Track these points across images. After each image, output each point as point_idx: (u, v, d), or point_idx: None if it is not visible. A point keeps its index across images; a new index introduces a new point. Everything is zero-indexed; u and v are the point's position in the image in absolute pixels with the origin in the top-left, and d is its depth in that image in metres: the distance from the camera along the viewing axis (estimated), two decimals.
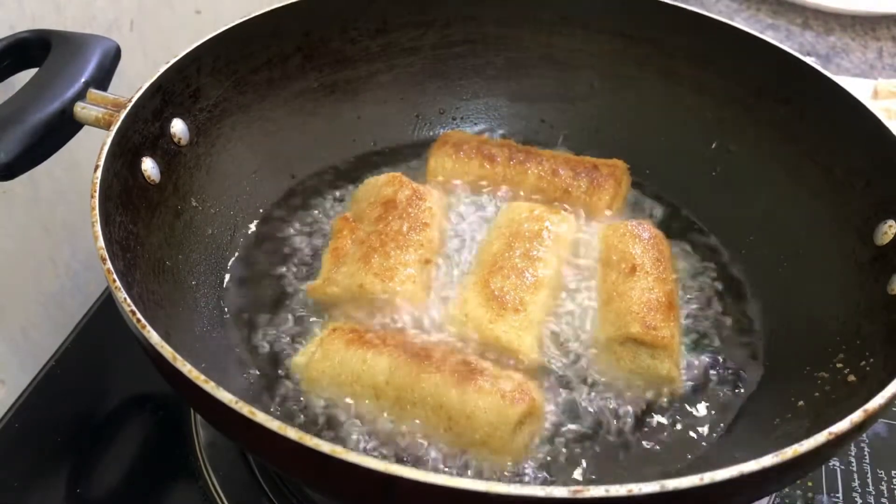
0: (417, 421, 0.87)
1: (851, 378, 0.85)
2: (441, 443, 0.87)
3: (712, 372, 0.98)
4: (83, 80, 0.94)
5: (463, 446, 0.86)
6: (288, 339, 1.00)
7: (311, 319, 1.02)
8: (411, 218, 1.05)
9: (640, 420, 0.93)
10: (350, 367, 0.90)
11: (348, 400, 0.91)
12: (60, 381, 1.11)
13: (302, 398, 0.93)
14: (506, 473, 0.86)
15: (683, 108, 1.21)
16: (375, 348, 0.90)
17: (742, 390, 0.97)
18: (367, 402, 0.89)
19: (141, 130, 0.95)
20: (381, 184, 1.11)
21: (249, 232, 1.13)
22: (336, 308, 1.01)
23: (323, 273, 1.03)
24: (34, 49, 0.97)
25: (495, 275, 0.99)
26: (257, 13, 1.10)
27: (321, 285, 1.01)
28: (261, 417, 0.63)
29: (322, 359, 0.91)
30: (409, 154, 1.27)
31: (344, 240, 1.05)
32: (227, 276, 1.07)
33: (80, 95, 0.93)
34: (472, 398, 0.84)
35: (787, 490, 1.00)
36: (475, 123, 1.32)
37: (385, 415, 0.89)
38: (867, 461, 1.03)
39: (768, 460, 0.62)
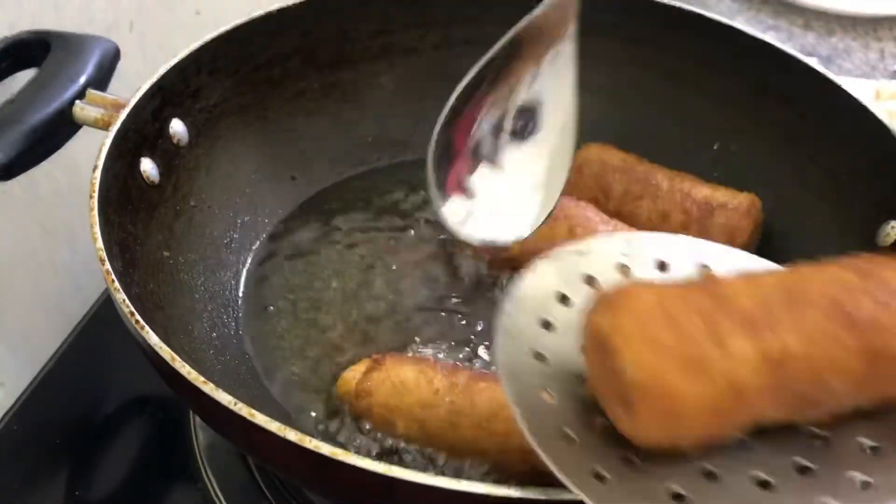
0: (471, 434, 0.83)
1: None
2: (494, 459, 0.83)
3: None
4: (82, 80, 0.93)
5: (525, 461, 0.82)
6: (288, 339, 0.99)
7: (312, 319, 1.01)
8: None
9: None
10: (407, 380, 0.86)
11: (401, 418, 0.86)
12: (60, 383, 1.11)
13: (303, 398, 0.92)
14: None
15: (684, 109, 1.20)
16: (429, 365, 0.88)
17: None
18: (422, 419, 0.85)
19: (140, 131, 0.95)
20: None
21: (249, 233, 1.12)
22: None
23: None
24: (33, 49, 0.97)
25: None
26: (257, 13, 1.10)
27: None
28: (260, 419, 0.63)
29: (379, 375, 0.88)
30: (410, 155, 1.27)
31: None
32: (227, 278, 1.06)
33: (80, 96, 0.93)
34: None
35: None
36: None
37: (439, 428, 0.84)
38: None
39: None
